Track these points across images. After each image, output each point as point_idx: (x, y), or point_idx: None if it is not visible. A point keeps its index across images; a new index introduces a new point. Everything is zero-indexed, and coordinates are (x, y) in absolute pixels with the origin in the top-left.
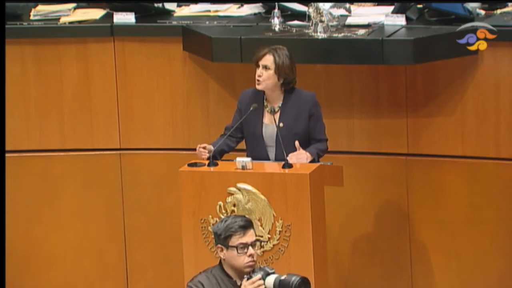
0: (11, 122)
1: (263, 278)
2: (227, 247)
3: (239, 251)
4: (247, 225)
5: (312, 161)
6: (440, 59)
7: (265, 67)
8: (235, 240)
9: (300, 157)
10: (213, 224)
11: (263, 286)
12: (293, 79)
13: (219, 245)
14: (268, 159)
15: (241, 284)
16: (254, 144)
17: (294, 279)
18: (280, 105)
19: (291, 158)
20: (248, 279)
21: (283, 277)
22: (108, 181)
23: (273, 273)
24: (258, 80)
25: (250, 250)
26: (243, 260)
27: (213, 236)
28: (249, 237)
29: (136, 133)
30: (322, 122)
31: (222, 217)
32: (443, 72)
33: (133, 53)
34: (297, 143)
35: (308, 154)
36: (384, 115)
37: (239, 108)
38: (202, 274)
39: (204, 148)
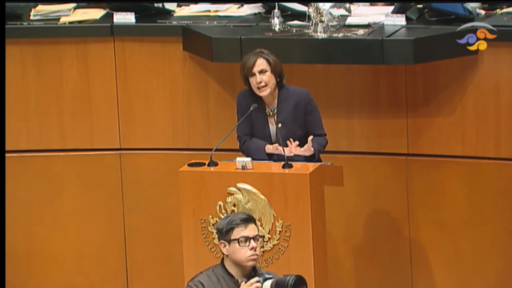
0: (11, 122)
1: (261, 282)
2: (229, 241)
3: (241, 244)
4: (249, 218)
5: (311, 157)
6: (440, 59)
7: (262, 72)
8: (237, 233)
9: (304, 153)
10: (213, 224)
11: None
12: (283, 75)
13: (222, 241)
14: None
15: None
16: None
17: (289, 278)
18: (276, 105)
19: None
20: (246, 282)
21: (280, 278)
22: (108, 181)
23: (272, 278)
24: (260, 87)
25: (252, 243)
26: (245, 253)
27: (213, 236)
28: (251, 230)
29: (136, 133)
30: (319, 117)
31: (223, 217)
32: (443, 72)
33: (133, 53)
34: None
35: (312, 150)
36: (384, 115)
37: (240, 109)
38: (203, 273)
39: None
